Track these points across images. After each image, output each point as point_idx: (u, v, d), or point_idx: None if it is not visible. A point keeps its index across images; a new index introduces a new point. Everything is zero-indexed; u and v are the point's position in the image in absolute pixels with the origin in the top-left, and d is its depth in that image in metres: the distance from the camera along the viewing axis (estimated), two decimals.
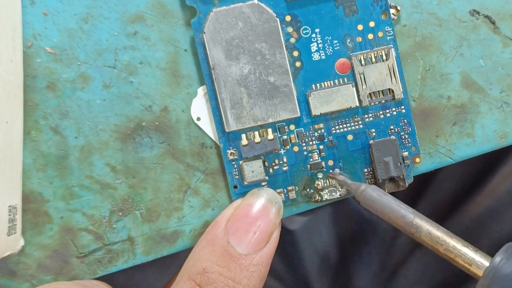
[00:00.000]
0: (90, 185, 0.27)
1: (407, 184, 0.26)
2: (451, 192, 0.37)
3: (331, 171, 0.26)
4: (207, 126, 0.27)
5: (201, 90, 0.27)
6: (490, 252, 0.36)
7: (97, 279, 0.27)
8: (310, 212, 0.28)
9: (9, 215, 0.25)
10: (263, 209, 0.24)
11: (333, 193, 0.26)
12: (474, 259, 0.23)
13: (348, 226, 0.38)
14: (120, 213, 0.27)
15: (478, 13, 0.27)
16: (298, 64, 0.26)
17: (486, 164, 0.35)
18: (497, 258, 0.22)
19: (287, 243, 0.37)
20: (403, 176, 0.26)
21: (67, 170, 0.26)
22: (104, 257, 0.27)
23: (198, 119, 0.27)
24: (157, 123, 0.27)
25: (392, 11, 0.26)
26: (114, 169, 0.27)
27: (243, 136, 0.26)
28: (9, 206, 0.25)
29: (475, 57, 0.27)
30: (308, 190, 0.26)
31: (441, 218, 0.37)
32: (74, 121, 0.26)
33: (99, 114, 0.26)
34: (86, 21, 0.26)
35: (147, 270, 0.35)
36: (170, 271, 0.35)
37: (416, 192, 0.37)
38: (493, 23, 0.27)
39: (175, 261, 0.33)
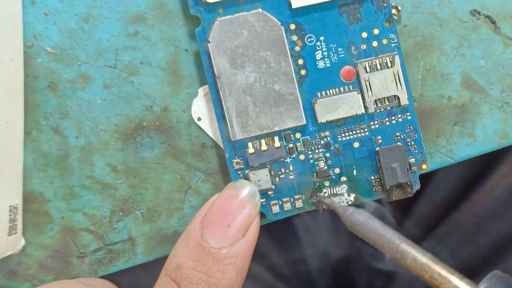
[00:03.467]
0: (90, 185, 0.27)
1: (414, 190, 0.26)
2: (448, 192, 0.37)
3: (319, 196, 0.26)
4: (208, 126, 0.27)
5: (201, 90, 0.27)
6: (488, 253, 0.36)
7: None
8: (310, 212, 0.28)
9: (10, 215, 0.25)
10: (239, 201, 0.24)
11: (339, 202, 0.26)
12: (459, 287, 0.22)
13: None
14: (121, 213, 0.27)
15: (478, 13, 0.27)
16: (303, 72, 0.26)
17: (484, 164, 0.35)
18: (481, 286, 0.22)
19: (290, 242, 0.37)
20: (410, 182, 0.26)
21: (68, 170, 0.26)
22: (105, 257, 0.27)
23: (199, 119, 0.27)
24: (157, 123, 0.27)
25: (393, 11, 0.26)
26: (114, 169, 0.27)
27: (250, 144, 0.26)
28: (10, 206, 0.25)
29: (476, 57, 0.27)
30: (315, 198, 0.26)
31: (438, 218, 0.37)
32: (74, 121, 0.26)
33: (99, 114, 0.26)
34: (87, 21, 0.26)
35: (149, 270, 0.35)
36: None
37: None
38: (494, 23, 0.27)
39: None
